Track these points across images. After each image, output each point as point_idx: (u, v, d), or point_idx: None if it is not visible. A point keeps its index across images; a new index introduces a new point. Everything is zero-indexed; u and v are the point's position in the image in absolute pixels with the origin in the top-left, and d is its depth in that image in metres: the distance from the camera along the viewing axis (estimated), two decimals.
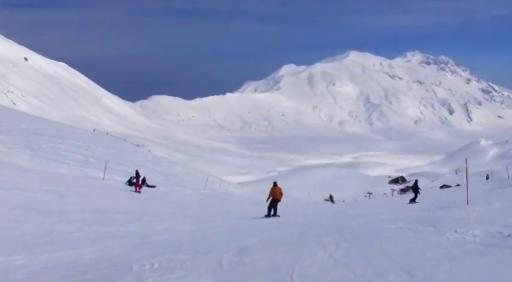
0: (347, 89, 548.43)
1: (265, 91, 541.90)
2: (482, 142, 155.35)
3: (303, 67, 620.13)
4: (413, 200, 23.99)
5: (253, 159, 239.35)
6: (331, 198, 49.41)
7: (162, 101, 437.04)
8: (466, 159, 19.87)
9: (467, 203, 16.87)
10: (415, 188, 24.91)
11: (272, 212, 18.41)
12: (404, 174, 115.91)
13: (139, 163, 36.63)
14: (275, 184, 19.04)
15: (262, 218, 18.00)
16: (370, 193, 58.39)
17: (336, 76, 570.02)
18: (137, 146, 69.30)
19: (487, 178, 47.29)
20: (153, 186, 28.91)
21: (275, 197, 18.45)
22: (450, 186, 65.77)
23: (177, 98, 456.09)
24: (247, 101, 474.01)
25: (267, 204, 18.58)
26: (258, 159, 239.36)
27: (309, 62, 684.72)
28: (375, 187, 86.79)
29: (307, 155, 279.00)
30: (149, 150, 69.29)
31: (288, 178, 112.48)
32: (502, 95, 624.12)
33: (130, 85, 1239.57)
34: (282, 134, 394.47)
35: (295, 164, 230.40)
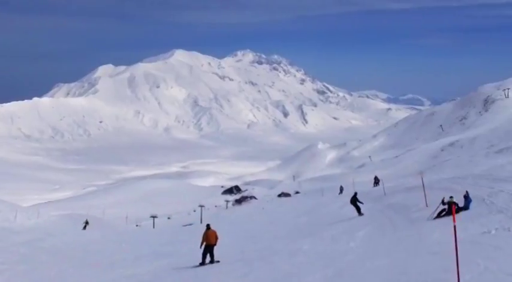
0: (173, 92, 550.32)
1: (80, 95, 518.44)
2: (320, 145, 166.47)
3: (122, 68, 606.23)
4: (359, 212, 25.30)
5: (66, 172, 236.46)
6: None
7: None
8: (422, 177, 19.02)
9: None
10: (354, 201, 25.75)
11: (208, 259, 18.54)
12: (238, 183, 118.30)
13: None
14: (208, 227, 19.23)
15: (197, 266, 18.13)
16: (202, 206, 56.95)
17: (160, 77, 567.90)
18: None
19: (341, 191, 48.17)
20: None
21: (209, 243, 18.64)
22: (289, 195, 68.96)
23: None
24: (58, 107, 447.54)
25: (201, 250, 18.69)
26: (73, 173, 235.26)
27: (129, 62, 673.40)
28: (208, 199, 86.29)
29: (130, 165, 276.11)
30: None
31: (109, 193, 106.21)
32: (338, 95, 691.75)
33: None
34: (100, 143, 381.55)
35: (116, 176, 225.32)
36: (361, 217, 24.52)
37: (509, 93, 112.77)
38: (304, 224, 28.08)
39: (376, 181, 48.71)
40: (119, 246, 27.89)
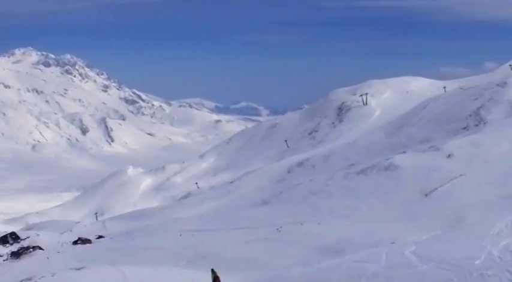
0: None
1: None
2: (130, 170, 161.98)
3: None
4: None
5: None
6: None
7: None
8: None
9: None
10: None
11: None
12: (17, 228, 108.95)
13: None
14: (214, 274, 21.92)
15: None
16: None
17: None
18: None
19: None
20: None
21: None
22: (90, 241, 64.08)
23: None
24: None
25: None
26: None
27: None
28: None
29: None
30: None
31: None
32: (152, 105, 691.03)
33: None
34: None
35: None
36: None
37: (368, 100, 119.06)
38: None
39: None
40: None
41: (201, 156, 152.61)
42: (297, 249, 39.15)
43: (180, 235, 49.84)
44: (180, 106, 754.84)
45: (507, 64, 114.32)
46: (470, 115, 67.59)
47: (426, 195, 46.83)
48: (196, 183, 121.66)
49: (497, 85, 72.25)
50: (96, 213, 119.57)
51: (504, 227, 21.29)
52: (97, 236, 69.43)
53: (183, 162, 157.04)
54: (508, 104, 65.59)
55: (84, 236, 70.40)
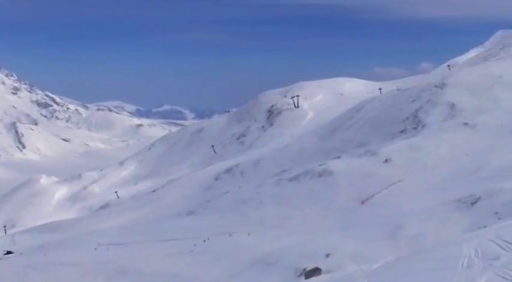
0: None
1: None
2: (43, 179, 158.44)
3: None
4: None
5: None
6: None
7: None
8: None
9: None
10: None
11: None
12: None
13: None
14: None
15: None
16: None
17: None
18: None
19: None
20: None
21: None
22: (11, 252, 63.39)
23: None
24: None
25: None
26: None
27: None
28: None
29: None
30: None
31: None
32: (68, 109, 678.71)
33: None
34: None
35: None
36: None
37: (300, 102, 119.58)
38: None
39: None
40: None
41: (121, 163, 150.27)
42: (226, 262, 38.66)
43: (96, 249, 48.57)
44: (98, 109, 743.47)
45: (444, 64, 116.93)
46: (408, 118, 68.05)
47: (363, 202, 46.79)
48: (116, 192, 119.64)
49: (436, 86, 72.99)
50: (4, 227, 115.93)
51: (474, 257, 16.81)
52: (5, 252, 66.98)
53: (101, 170, 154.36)
54: (447, 106, 66.27)
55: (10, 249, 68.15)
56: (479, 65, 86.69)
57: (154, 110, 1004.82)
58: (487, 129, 57.71)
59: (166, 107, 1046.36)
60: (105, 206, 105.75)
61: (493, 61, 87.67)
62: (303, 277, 30.19)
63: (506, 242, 17.48)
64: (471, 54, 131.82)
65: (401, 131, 65.88)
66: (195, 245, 43.87)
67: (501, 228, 20.46)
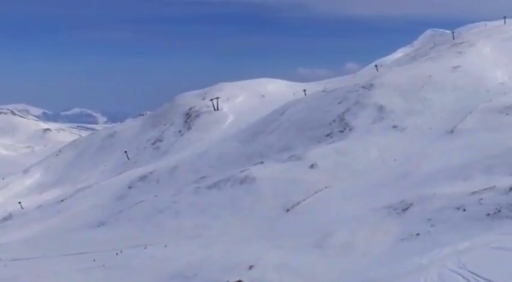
0: None
1: None
2: None
3: None
4: None
5: None
6: None
7: None
8: None
9: None
10: None
11: None
12: None
13: None
14: None
15: None
16: None
17: None
18: None
19: None
20: None
21: None
22: None
23: None
24: None
25: None
26: None
27: None
28: None
29: None
30: None
31: None
32: None
33: None
34: None
35: None
36: None
37: (220, 104, 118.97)
38: None
39: None
40: None
41: (26, 171, 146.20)
42: (141, 277, 38.04)
43: None
44: (1, 113, 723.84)
45: (371, 65, 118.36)
46: (334, 120, 68.15)
47: (288, 210, 46.52)
48: (20, 202, 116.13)
49: (363, 87, 73.40)
50: None
51: (438, 279, 15.67)
52: None
53: (3, 179, 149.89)
54: (375, 108, 66.62)
55: None
56: (408, 65, 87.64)
57: (62, 113, 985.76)
58: (417, 132, 58.37)
59: (76, 110, 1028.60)
60: (7, 218, 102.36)
61: (423, 61, 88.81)
62: None
63: (473, 273, 15.54)
64: (399, 53, 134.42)
65: (328, 135, 65.87)
66: (106, 258, 42.82)
67: (461, 253, 18.39)
